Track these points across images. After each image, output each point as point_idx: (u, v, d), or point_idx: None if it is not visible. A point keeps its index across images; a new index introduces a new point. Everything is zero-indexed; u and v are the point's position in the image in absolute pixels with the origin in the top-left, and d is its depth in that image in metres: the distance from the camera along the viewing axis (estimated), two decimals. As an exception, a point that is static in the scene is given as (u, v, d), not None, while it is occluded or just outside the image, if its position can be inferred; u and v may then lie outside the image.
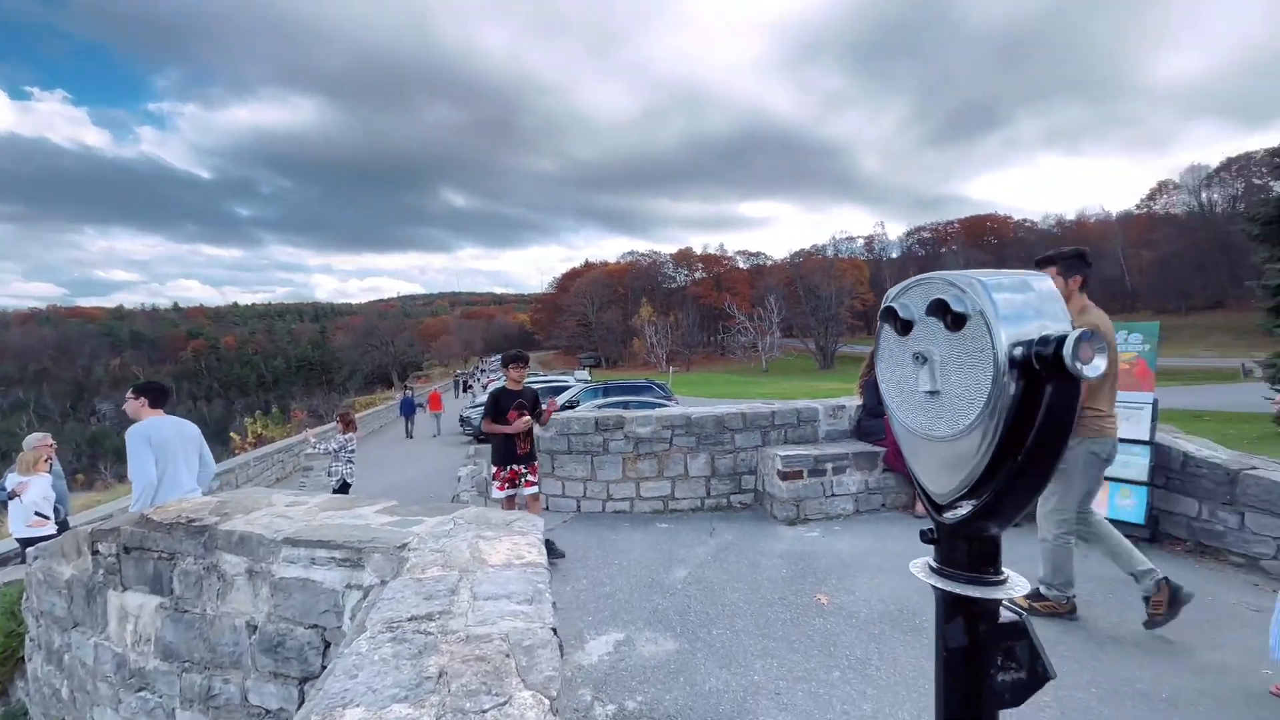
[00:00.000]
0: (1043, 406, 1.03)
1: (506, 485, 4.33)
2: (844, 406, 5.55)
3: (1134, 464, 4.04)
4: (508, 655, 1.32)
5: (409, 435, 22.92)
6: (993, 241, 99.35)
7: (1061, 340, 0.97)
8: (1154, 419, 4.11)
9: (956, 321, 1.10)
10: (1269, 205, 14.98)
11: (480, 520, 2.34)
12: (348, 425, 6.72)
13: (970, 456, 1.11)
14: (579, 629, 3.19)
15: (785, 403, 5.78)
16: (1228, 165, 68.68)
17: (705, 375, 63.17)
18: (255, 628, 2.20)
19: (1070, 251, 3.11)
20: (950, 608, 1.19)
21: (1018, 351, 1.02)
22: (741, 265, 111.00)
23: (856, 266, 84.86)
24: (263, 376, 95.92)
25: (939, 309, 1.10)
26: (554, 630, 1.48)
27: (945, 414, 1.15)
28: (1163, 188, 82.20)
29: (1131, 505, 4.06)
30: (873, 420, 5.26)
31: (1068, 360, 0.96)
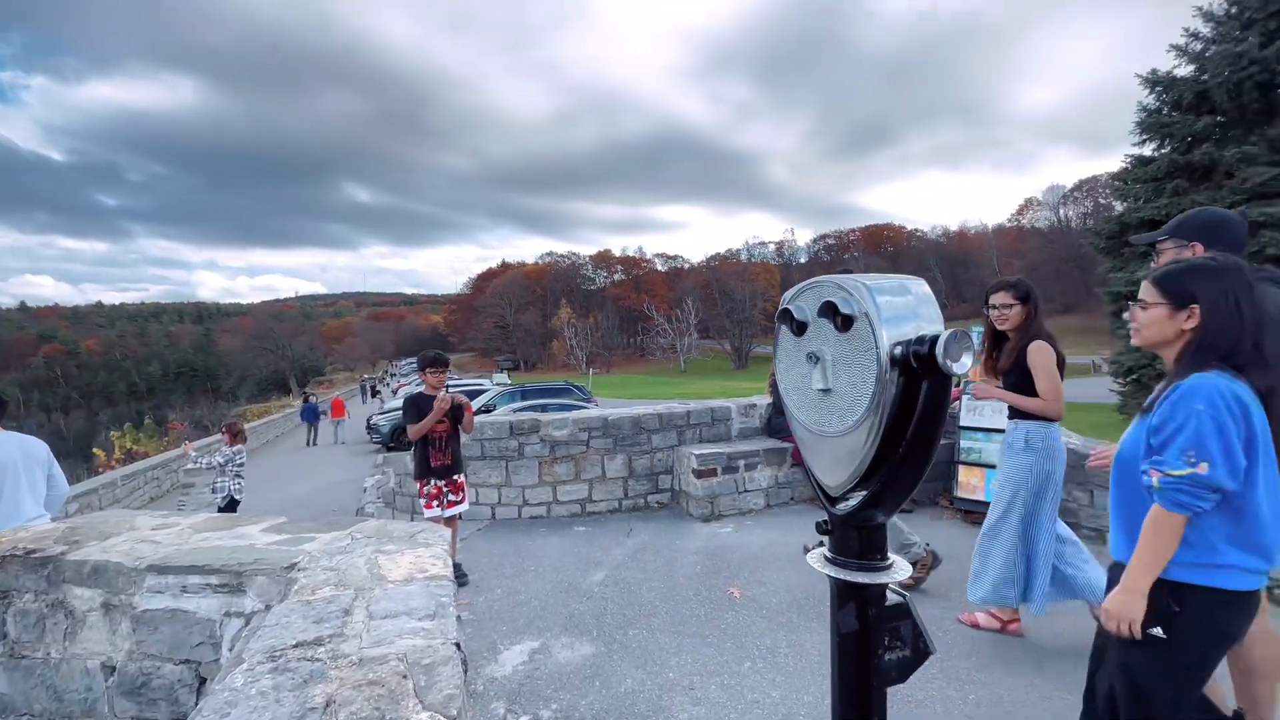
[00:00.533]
0: (919, 401, 1.11)
1: (434, 503, 3.82)
2: (755, 405, 5.76)
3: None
4: (405, 676, 1.24)
5: (312, 443, 21.60)
6: (889, 249, 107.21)
7: (935, 340, 1.05)
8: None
9: (845, 323, 1.16)
10: (1111, 223, 17.18)
11: (381, 534, 2.20)
12: (235, 436, 6.14)
13: (859, 450, 1.17)
14: (492, 640, 3.09)
15: (700, 402, 5.91)
16: (1080, 186, 78.17)
17: (625, 377, 63.54)
18: (113, 669, 1.94)
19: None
20: (843, 595, 1.26)
21: (897, 351, 1.09)
22: (660, 268, 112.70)
23: (768, 270, 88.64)
24: (134, 384, 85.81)
25: (829, 311, 1.15)
26: (457, 645, 1.42)
27: (836, 410, 1.21)
28: (1028, 204, 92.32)
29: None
30: (781, 418, 5.50)
31: (940, 358, 1.04)
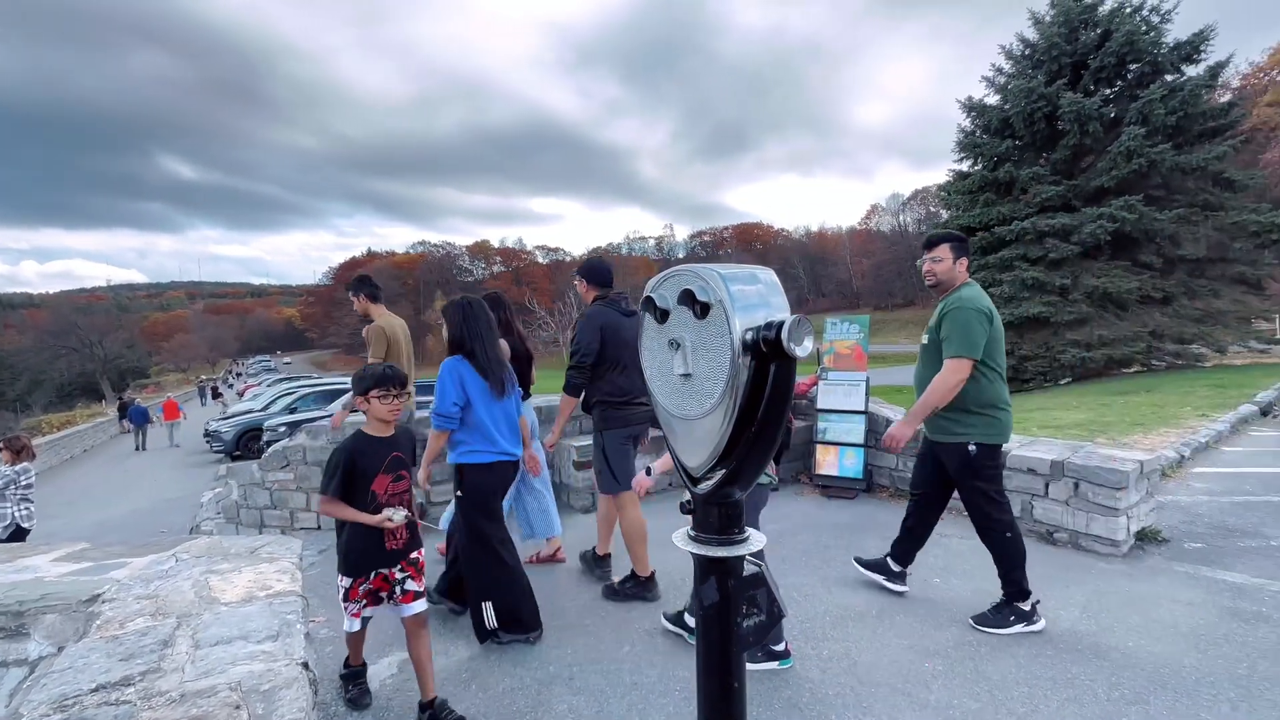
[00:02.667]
0: (769, 383, 1.19)
1: (365, 604, 2.37)
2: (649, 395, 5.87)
3: (854, 431, 5.00)
4: (238, 706, 1.11)
5: (141, 448, 18.85)
6: (759, 247, 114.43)
7: (781, 326, 1.13)
8: (867, 393, 5.12)
9: (703, 310, 1.21)
10: (938, 229, 19.68)
11: (214, 551, 1.95)
12: (18, 453, 5.10)
13: (716, 431, 1.23)
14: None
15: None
16: (915, 195, 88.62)
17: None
18: None
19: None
20: (705, 570, 1.32)
21: (748, 336, 1.16)
22: (541, 260, 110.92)
23: (648, 265, 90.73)
24: (-128, 395, 68.06)
25: (688, 299, 1.20)
26: (305, 665, 1.30)
27: (696, 394, 1.26)
28: (874, 209, 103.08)
29: (854, 464, 5.01)
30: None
31: (785, 343, 1.12)
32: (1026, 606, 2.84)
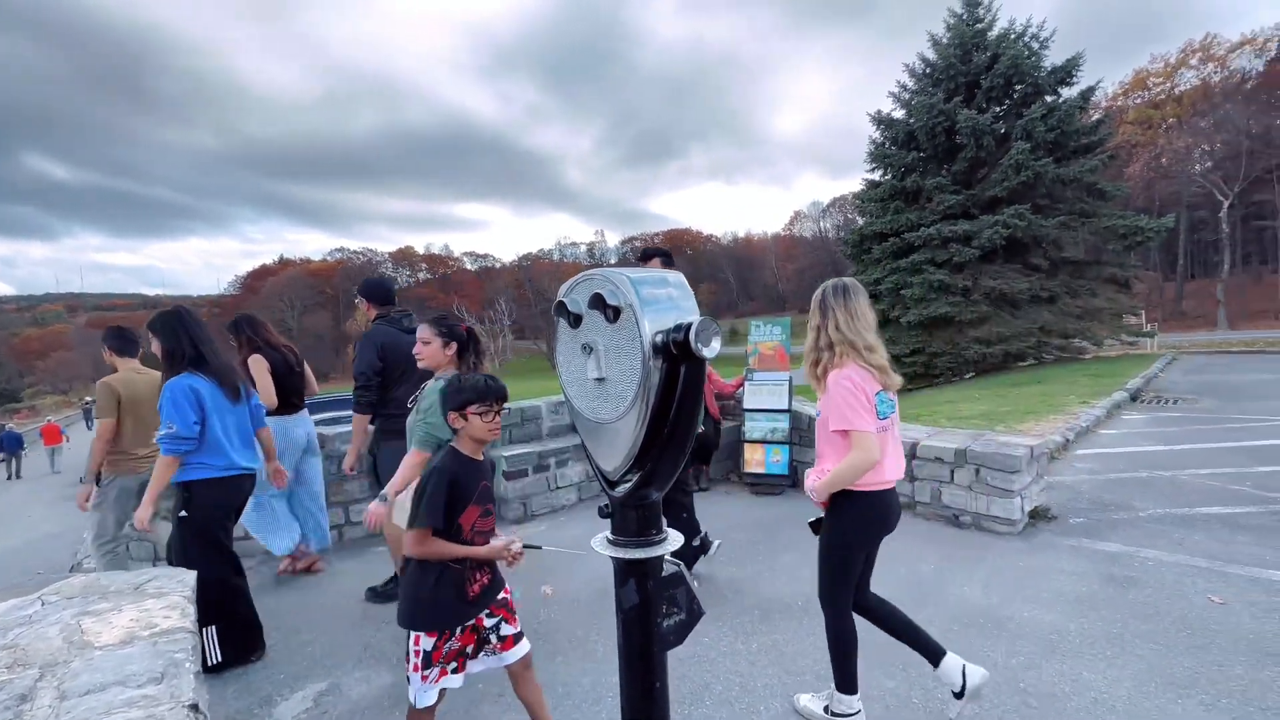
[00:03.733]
0: (679, 385, 1.22)
1: (449, 668, 1.94)
2: (565, 402, 5.82)
3: (779, 429, 5.18)
4: (111, 760, 1.01)
5: (14, 476, 17.00)
6: (689, 252, 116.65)
7: (689, 328, 1.16)
8: (790, 392, 5.32)
9: (614, 314, 1.22)
10: (854, 234, 20.82)
11: (90, 590, 1.76)
12: None
13: (631, 434, 1.24)
14: (266, 693, 2.67)
15: (510, 404, 5.79)
16: (834, 202, 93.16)
17: (436, 382, 59.59)
18: None
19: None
20: (624, 572, 1.32)
21: (659, 339, 1.18)
22: (469, 267, 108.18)
23: (580, 270, 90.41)
24: None
25: (598, 303, 1.20)
26: (194, 707, 1.19)
27: (610, 398, 1.27)
28: (797, 216, 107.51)
29: (780, 461, 5.18)
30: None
31: (693, 345, 1.14)
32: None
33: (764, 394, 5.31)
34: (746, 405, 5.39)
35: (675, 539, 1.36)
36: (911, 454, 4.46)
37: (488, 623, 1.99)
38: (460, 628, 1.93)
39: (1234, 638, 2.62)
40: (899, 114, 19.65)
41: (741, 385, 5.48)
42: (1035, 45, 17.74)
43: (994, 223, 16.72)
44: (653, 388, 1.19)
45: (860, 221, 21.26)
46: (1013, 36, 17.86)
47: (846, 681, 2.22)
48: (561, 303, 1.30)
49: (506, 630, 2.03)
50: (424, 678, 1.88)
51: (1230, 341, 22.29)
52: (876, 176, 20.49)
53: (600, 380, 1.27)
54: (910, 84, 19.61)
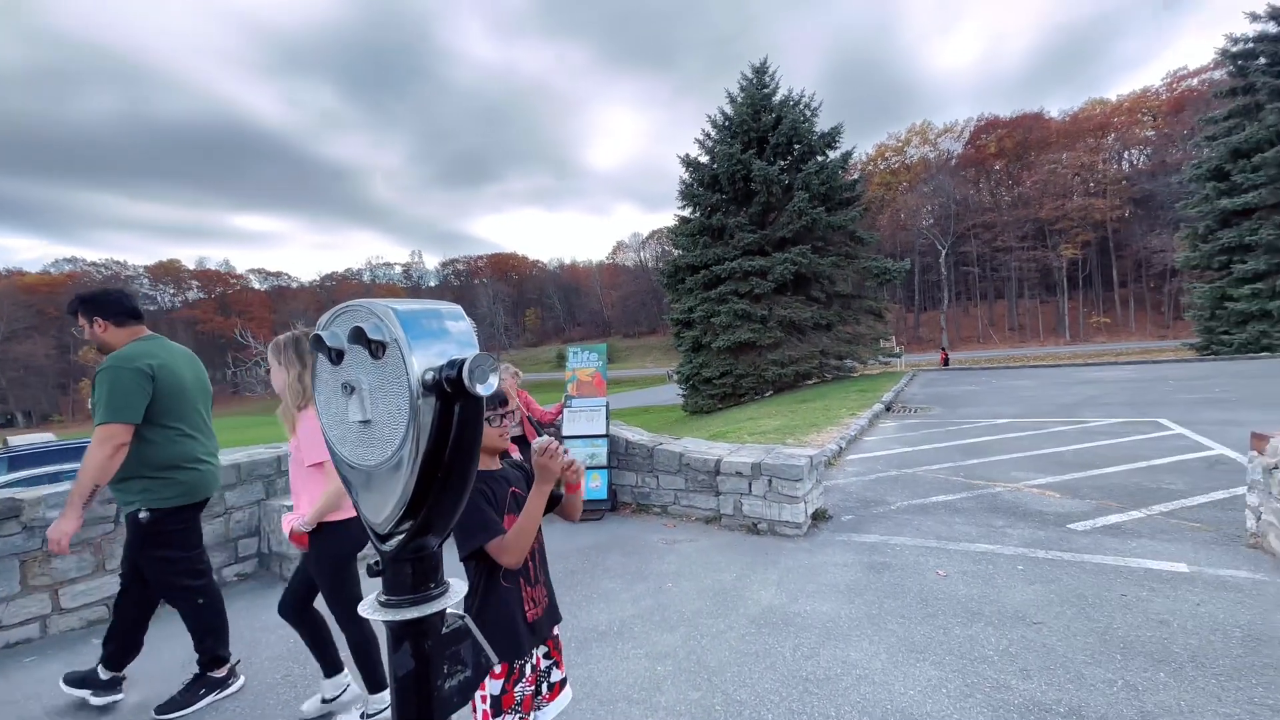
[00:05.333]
0: (454, 424, 1.15)
1: (513, 701, 1.63)
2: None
3: (598, 454, 5.27)
4: None
5: None
6: (514, 277, 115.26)
7: (462, 364, 1.10)
8: (608, 417, 5.45)
9: (378, 350, 1.11)
10: (669, 265, 22.37)
11: None
12: None
13: (401, 479, 1.14)
14: None
15: (299, 443, 5.07)
16: (652, 235, 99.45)
17: (214, 421, 50.26)
18: None
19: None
20: (398, 636, 1.19)
21: (429, 376, 1.10)
22: (258, 286, 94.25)
23: (394, 293, 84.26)
24: None
25: (358, 337, 1.09)
26: None
27: (376, 441, 1.15)
28: (619, 246, 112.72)
29: (599, 486, 5.26)
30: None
31: (467, 382, 1.09)
32: (221, 673, 2.78)
33: (582, 420, 5.36)
34: (566, 432, 5.39)
35: (458, 589, 1.26)
36: (715, 470, 4.83)
37: (544, 662, 1.72)
38: (530, 664, 1.66)
39: (952, 603, 3.23)
40: (704, 159, 21.79)
41: (561, 412, 5.47)
42: (809, 113, 21.02)
43: (784, 260, 19.22)
44: (424, 428, 1.10)
45: (676, 253, 22.94)
46: (792, 103, 20.97)
47: (376, 683, 2.56)
48: (319, 337, 1.16)
49: (556, 676, 1.76)
50: (493, 713, 1.58)
51: (952, 360, 28.19)
52: (687, 213, 22.38)
53: (365, 423, 1.14)
54: (713, 133, 21.89)
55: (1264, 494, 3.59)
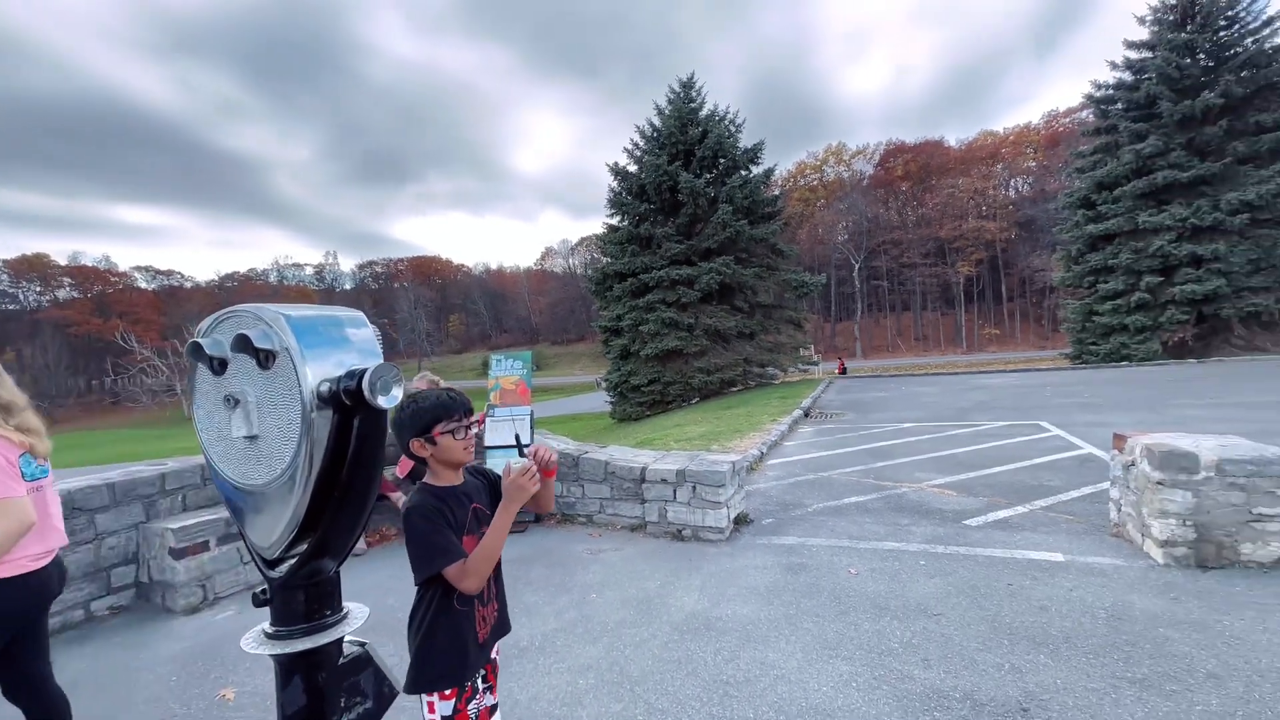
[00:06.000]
0: (353, 438, 1.08)
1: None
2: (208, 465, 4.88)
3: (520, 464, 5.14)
4: None
5: None
6: (439, 281, 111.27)
7: (362, 375, 1.04)
8: (532, 426, 5.35)
9: (267, 359, 1.03)
10: (598, 272, 22.38)
11: None
12: None
13: (293, 498, 1.05)
14: None
15: (188, 459, 4.62)
16: (581, 241, 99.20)
17: (86, 435, 45.03)
18: None
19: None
20: (289, 670, 1.10)
21: (325, 388, 1.03)
22: (144, 285, 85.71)
23: (306, 295, 79.19)
24: None
25: (243, 345, 1.00)
26: None
27: (264, 459, 1.06)
28: (548, 252, 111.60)
29: (523, 496, 5.13)
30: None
31: (368, 393, 1.02)
32: None
33: (505, 430, 5.23)
34: (487, 443, 5.23)
35: (359, 613, 1.18)
36: (641, 478, 4.85)
37: (480, 685, 1.64)
38: (468, 682, 1.58)
39: (862, 599, 3.40)
40: (633, 168, 22.01)
41: (482, 423, 5.31)
42: (733, 129, 21.74)
43: (709, 270, 19.70)
44: (319, 443, 1.03)
45: (604, 261, 22.98)
46: (717, 118, 21.61)
47: None
48: (197, 344, 1.05)
49: (489, 700, 1.66)
50: None
51: (864, 368, 29.90)
52: (616, 221, 22.49)
53: (251, 438, 1.05)
54: (641, 143, 22.17)
55: (1123, 488, 4.03)
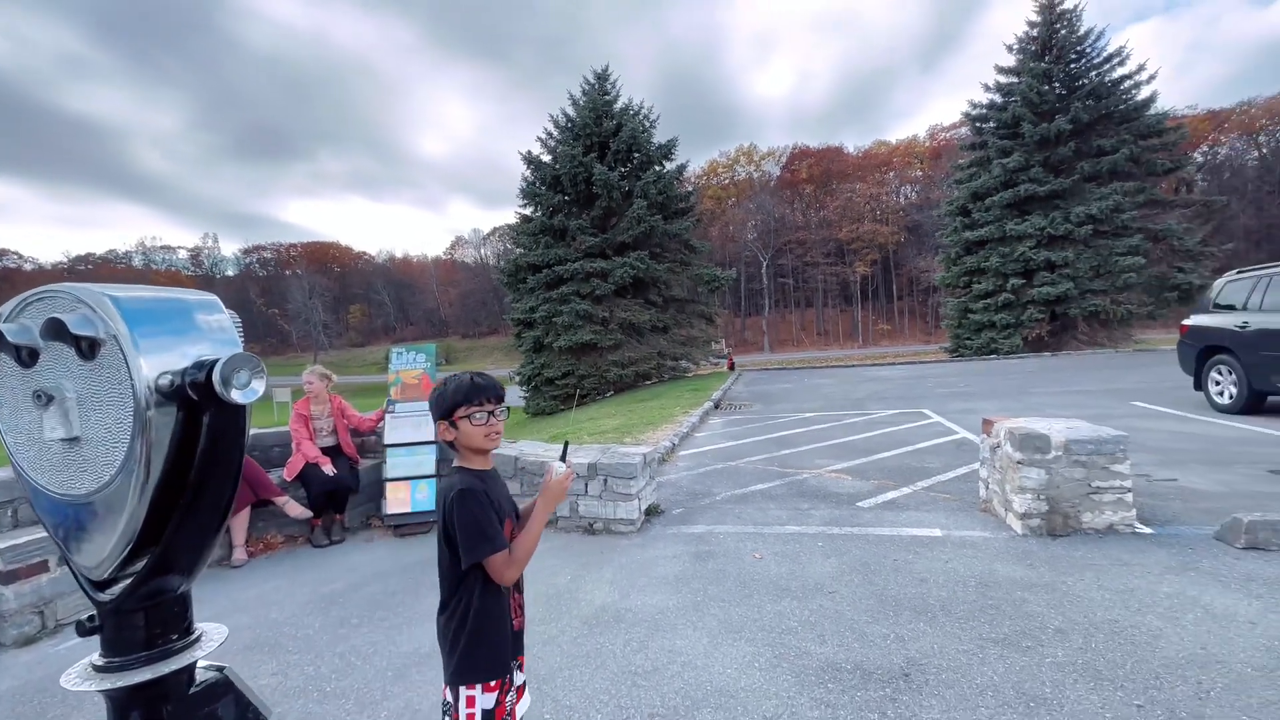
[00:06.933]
0: (203, 436, 0.95)
1: (505, 712, 1.55)
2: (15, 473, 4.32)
3: (425, 462, 4.91)
4: None
5: None
6: (336, 269, 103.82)
7: (212, 366, 0.91)
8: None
9: (89, 348, 0.88)
10: (510, 264, 21.80)
11: None
12: None
13: (126, 509, 0.91)
14: None
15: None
16: (493, 231, 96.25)
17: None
18: None
19: None
20: (125, 706, 0.96)
21: (165, 381, 0.90)
22: (-31, 266, 73.58)
23: (177, 281, 71.38)
24: None
25: (57, 331, 0.85)
26: None
27: (88, 464, 0.91)
28: (459, 242, 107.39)
29: (425, 497, 4.89)
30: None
31: (219, 387, 0.90)
32: None
33: (407, 427, 4.95)
34: (388, 440, 4.94)
35: (216, 634, 1.05)
36: (552, 472, 4.77)
37: (514, 677, 1.61)
38: (508, 674, 1.57)
39: (765, 582, 3.54)
40: (547, 158, 21.59)
41: (382, 419, 5.00)
42: (647, 123, 21.88)
43: (624, 264, 19.77)
44: (159, 444, 0.90)
45: (517, 252, 22.41)
46: (632, 112, 21.66)
47: None
48: (-3, 330, 0.88)
49: (519, 679, 1.64)
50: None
51: (771, 361, 31.28)
52: (529, 212, 22.00)
53: (71, 441, 0.90)
54: (555, 133, 21.79)
55: (990, 468, 4.48)
